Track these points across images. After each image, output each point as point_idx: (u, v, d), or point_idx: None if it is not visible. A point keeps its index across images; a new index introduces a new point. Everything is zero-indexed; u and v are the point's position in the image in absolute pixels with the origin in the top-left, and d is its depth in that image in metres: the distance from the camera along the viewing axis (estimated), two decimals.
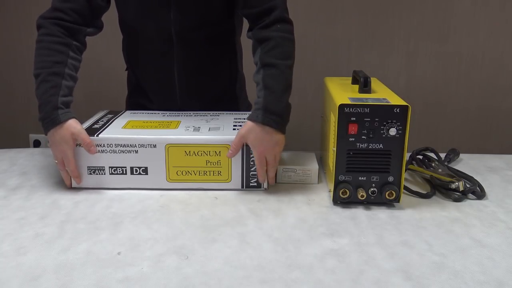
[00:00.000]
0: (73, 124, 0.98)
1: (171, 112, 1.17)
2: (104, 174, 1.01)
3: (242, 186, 1.02)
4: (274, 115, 0.98)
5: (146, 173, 1.01)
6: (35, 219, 0.89)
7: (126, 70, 1.30)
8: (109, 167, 1.00)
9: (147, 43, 1.17)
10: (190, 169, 1.00)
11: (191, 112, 1.17)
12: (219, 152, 0.99)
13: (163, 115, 1.14)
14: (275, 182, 1.06)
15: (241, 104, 1.34)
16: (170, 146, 0.99)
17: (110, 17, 1.15)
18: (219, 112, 1.18)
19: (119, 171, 1.01)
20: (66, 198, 0.98)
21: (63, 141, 0.98)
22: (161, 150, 0.99)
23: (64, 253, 0.77)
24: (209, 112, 1.18)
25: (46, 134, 1.00)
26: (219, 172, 1.01)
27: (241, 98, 1.35)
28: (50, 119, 0.98)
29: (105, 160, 1.00)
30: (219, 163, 1.00)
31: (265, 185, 1.02)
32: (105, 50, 2.06)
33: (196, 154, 0.99)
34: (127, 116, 1.14)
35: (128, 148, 0.99)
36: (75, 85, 1.04)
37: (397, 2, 2.05)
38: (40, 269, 0.73)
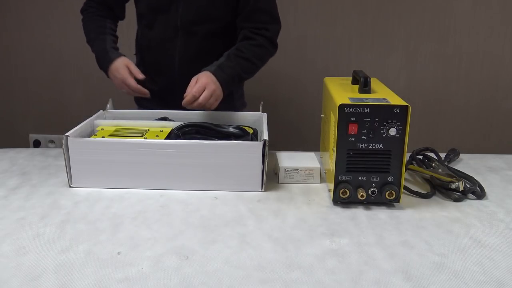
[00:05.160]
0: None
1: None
2: None
3: None
4: (224, 74, 1.20)
5: None
6: (35, 219, 0.89)
7: (135, 54, 1.43)
8: None
9: (155, 31, 1.32)
10: None
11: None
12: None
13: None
14: (278, 182, 1.06)
15: (236, 100, 1.39)
16: None
17: None
18: None
19: None
20: (66, 198, 0.98)
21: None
22: None
23: (64, 253, 0.77)
24: None
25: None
26: None
27: (237, 94, 1.41)
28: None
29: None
30: None
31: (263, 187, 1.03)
32: None
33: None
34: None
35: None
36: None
37: (397, 2, 2.05)
38: (40, 269, 0.73)
